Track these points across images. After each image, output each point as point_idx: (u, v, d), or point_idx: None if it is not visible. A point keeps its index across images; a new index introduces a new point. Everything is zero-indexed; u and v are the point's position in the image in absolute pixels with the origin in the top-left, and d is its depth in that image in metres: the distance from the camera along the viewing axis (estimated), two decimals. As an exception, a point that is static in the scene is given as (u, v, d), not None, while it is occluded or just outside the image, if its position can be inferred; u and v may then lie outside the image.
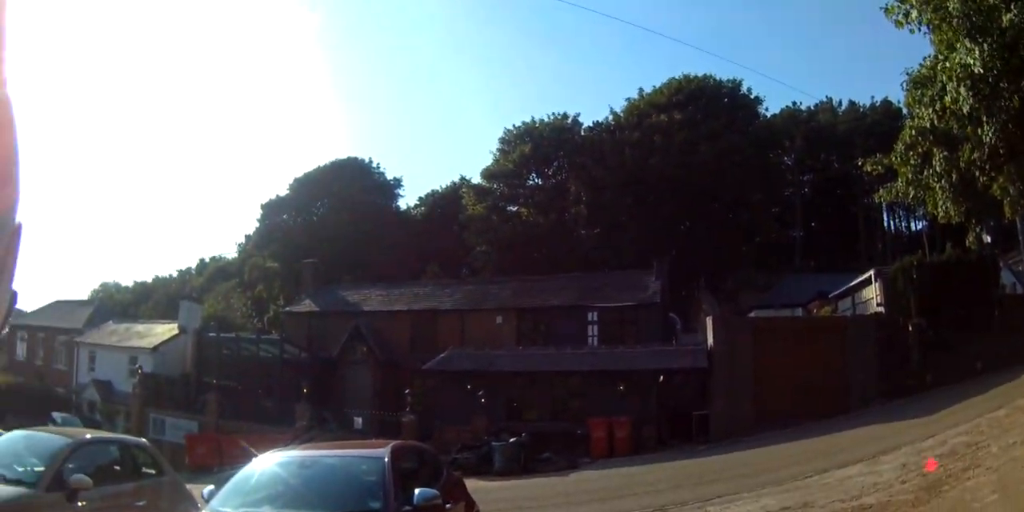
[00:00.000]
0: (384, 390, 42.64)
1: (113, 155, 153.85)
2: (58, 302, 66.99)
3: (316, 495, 8.83)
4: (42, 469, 10.65)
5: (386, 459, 9.04)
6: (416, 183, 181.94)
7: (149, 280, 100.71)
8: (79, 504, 10.40)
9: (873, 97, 74.58)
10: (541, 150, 68.73)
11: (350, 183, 77.92)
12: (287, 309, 55.67)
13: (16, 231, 1.36)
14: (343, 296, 53.34)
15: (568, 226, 67.66)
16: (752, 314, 44.88)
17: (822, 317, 40.70)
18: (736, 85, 68.64)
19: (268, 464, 9.52)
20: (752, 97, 69.49)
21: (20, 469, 10.88)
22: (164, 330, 52.57)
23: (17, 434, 12.48)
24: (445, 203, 79.64)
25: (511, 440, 30.76)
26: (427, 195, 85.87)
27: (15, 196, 1.33)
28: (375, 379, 44.22)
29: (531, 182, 71.49)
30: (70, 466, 10.81)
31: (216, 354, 47.31)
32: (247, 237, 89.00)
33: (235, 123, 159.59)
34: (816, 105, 75.38)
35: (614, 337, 41.56)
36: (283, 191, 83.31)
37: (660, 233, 58.42)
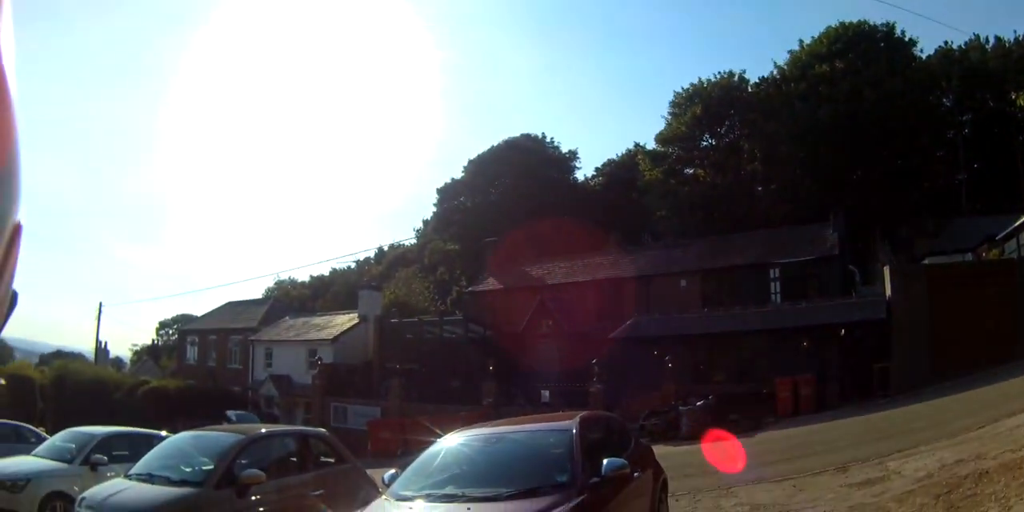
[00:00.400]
0: (571, 362, 42.19)
1: (287, 163, 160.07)
2: (230, 303, 68.56)
3: (501, 472, 8.65)
4: (211, 468, 10.77)
5: (574, 431, 8.74)
6: (592, 155, 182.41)
7: (326, 273, 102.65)
8: (252, 498, 10.52)
9: (1016, 31, 69.82)
10: (711, 110, 67.67)
11: (525, 159, 77.56)
12: (470, 289, 56.17)
13: (16, 231, 1.32)
14: (526, 271, 53.48)
15: (745, 184, 66.56)
16: (925, 261, 42.76)
17: (990, 261, 38.77)
18: (890, 28, 65.81)
19: (452, 443, 9.40)
20: (907, 40, 66.57)
21: (187, 469, 11.12)
22: (343, 320, 53.58)
23: (184, 436, 12.81)
24: (622, 171, 78.69)
25: (698, 403, 30.60)
26: (603, 165, 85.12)
27: (15, 195, 1.29)
28: (561, 351, 43.99)
29: (705, 143, 70.33)
30: (242, 462, 10.94)
31: (398, 339, 48.00)
32: (425, 222, 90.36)
33: (401, 119, 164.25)
34: (966, 43, 71.03)
35: (796, 293, 40.80)
36: (458, 175, 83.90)
37: (835, 184, 56.68)
